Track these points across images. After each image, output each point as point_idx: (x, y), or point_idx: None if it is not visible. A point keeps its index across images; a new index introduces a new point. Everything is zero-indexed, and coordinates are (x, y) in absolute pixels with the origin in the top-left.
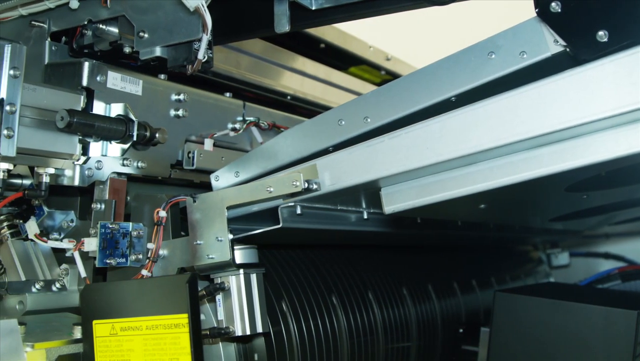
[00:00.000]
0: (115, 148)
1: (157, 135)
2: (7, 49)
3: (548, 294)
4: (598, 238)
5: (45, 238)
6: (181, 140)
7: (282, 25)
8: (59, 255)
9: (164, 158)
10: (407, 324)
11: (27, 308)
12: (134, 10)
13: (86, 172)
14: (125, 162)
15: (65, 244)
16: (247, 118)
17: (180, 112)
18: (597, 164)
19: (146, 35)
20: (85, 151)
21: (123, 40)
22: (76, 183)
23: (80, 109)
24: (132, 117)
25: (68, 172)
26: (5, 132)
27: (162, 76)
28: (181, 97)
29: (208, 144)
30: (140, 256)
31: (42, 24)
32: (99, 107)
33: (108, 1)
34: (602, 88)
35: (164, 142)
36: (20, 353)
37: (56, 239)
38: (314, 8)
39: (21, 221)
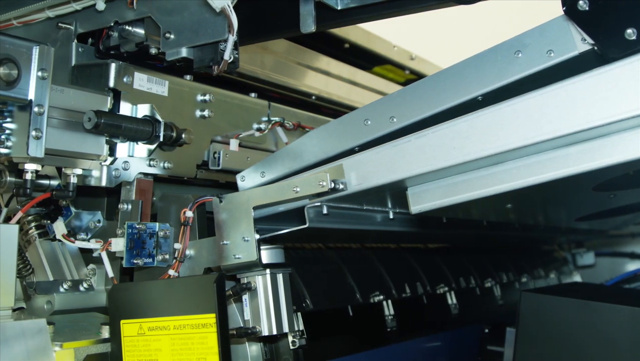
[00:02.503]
0: (141, 149)
1: (183, 135)
2: (35, 51)
3: (574, 294)
4: (624, 238)
5: (72, 238)
6: (207, 140)
7: (308, 25)
8: (86, 255)
9: (189, 159)
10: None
11: (55, 307)
12: (160, 12)
13: (113, 172)
14: (151, 162)
15: (93, 244)
16: (272, 118)
17: (205, 113)
18: (626, 163)
19: (172, 36)
20: (112, 151)
21: (149, 41)
22: (103, 183)
23: (107, 110)
24: (159, 117)
25: (95, 173)
26: (33, 133)
27: (188, 77)
28: (207, 97)
29: (234, 144)
30: (167, 256)
31: (68, 26)
32: (125, 108)
33: (134, 2)
34: (631, 86)
35: (190, 143)
36: (49, 352)
37: (83, 240)
38: (339, 8)
39: (49, 221)
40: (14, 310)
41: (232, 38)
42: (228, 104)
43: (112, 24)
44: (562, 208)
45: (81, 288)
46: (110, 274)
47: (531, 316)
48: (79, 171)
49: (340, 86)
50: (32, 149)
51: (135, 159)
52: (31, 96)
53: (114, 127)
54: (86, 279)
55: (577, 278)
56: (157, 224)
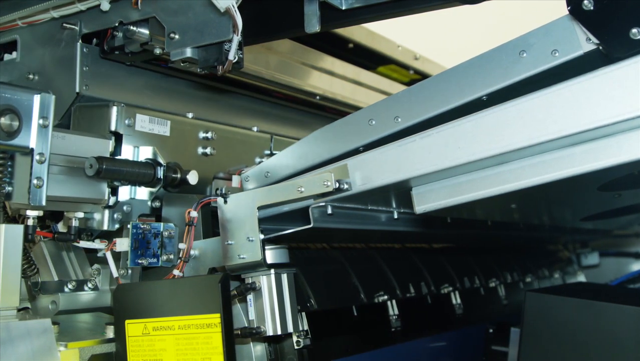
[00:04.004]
0: (143, 191)
1: (188, 177)
2: (36, 100)
3: (579, 294)
4: (628, 238)
5: (77, 239)
6: (209, 178)
7: (313, 25)
8: (91, 255)
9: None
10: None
11: (59, 307)
12: (164, 12)
13: (115, 215)
14: (154, 204)
15: (97, 244)
16: (274, 152)
17: (208, 150)
18: (631, 162)
19: (177, 37)
20: (114, 193)
21: (154, 41)
22: (105, 227)
23: (109, 154)
24: (161, 160)
25: (97, 216)
26: (35, 182)
27: (190, 115)
28: (209, 134)
29: (236, 180)
30: (172, 256)
31: (73, 26)
32: (127, 150)
33: (139, 3)
34: (636, 86)
35: (195, 184)
36: (53, 352)
37: (88, 240)
38: (344, 8)
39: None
40: (18, 310)
41: (236, 38)
42: (230, 140)
43: (116, 25)
44: (566, 207)
45: (86, 288)
46: (115, 274)
47: (536, 316)
48: (80, 215)
49: (345, 85)
50: (33, 198)
51: (137, 201)
52: (32, 144)
53: (116, 173)
54: (91, 280)
55: (581, 278)
56: (162, 224)
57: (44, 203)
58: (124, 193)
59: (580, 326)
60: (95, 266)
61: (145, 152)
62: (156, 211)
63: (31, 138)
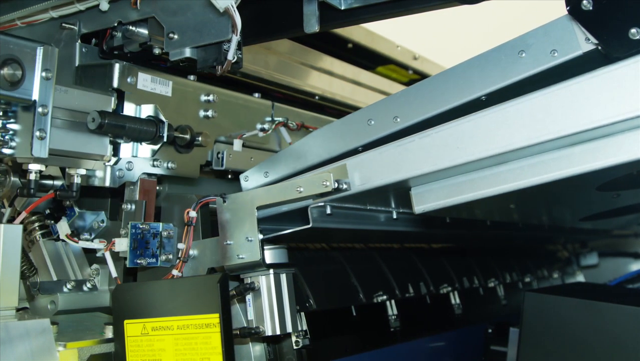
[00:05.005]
0: (145, 149)
1: (200, 138)
2: (39, 51)
3: (578, 294)
4: (627, 238)
5: (76, 239)
6: (211, 140)
7: (312, 25)
8: (90, 255)
9: (193, 159)
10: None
11: (58, 307)
12: (163, 12)
13: (117, 173)
14: (155, 163)
15: (96, 244)
16: (275, 119)
17: (209, 113)
18: (629, 162)
19: (176, 37)
20: (116, 152)
21: (153, 41)
22: (107, 183)
23: (111, 111)
24: (162, 118)
25: (99, 173)
26: (37, 133)
27: (192, 77)
28: (210, 98)
29: (237, 144)
30: (171, 256)
31: (72, 26)
32: (129, 109)
33: (138, 3)
34: (635, 86)
35: (206, 146)
36: (52, 352)
37: (87, 240)
38: (343, 8)
39: (52, 221)
40: (17, 310)
41: (235, 38)
42: (232, 104)
43: (115, 24)
44: (565, 208)
45: (85, 288)
46: (114, 274)
47: (534, 316)
48: (82, 172)
49: (344, 86)
50: (36, 150)
51: (139, 159)
52: (35, 96)
53: (118, 128)
54: (90, 280)
55: (580, 278)
56: (161, 224)
57: (46, 156)
58: (126, 150)
59: (579, 326)
60: (94, 266)
61: (146, 111)
62: (157, 171)
63: (34, 90)
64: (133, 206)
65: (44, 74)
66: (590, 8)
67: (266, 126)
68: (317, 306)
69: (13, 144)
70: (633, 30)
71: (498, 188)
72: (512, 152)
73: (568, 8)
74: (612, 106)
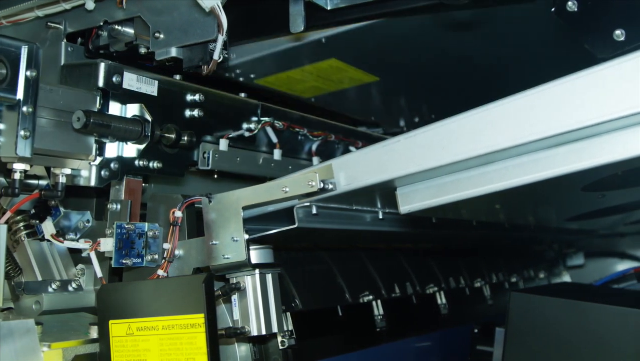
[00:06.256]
0: (131, 148)
1: (185, 138)
2: (24, 50)
3: (563, 294)
4: (613, 238)
5: (61, 238)
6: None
7: (298, 25)
8: (75, 255)
9: (179, 158)
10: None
11: (43, 308)
12: (149, 11)
13: (102, 172)
14: (141, 162)
15: (82, 244)
16: (262, 118)
17: (195, 113)
18: (614, 163)
19: (162, 36)
20: (101, 151)
21: (139, 41)
22: (92, 183)
23: (96, 110)
24: (148, 117)
25: (84, 173)
26: (22, 133)
27: (177, 76)
28: (197, 97)
29: (223, 144)
30: (156, 257)
31: (58, 25)
32: (114, 108)
33: (124, 2)
34: (620, 87)
35: (192, 146)
36: (37, 352)
37: (72, 240)
38: (329, 8)
39: (37, 221)
40: (2, 310)
41: (221, 38)
42: (218, 104)
43: (101, 24)
44: (551, 208)
45: (70, 288)
46: (99, 274)
47: (520, 316)
48: (67, 171)
49: None
50: (20, 149)
51: (124, 159)
52: (20, 95)
53: (103, 127)
54: (75, 280)
55: (566, 278)
56: (146, 224)
57: (30, 155)
58: (112, 149)
59: (564, 326)
60: (80, 266)
61: (132, 111)
62: (143, 171)
63: (18, 89)
64: (118, 206)
65: (28, 73)
66: (576, 9)
67: (252, 126)
68: (303, 306)
69: None
70: (618, 32)
71: (484, 188)
72: (497, 153)
73: (553, 9)
74: (596, 106)
